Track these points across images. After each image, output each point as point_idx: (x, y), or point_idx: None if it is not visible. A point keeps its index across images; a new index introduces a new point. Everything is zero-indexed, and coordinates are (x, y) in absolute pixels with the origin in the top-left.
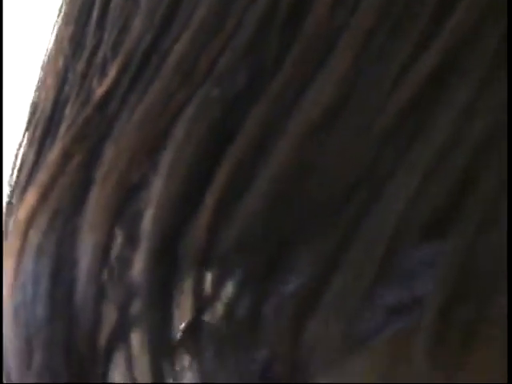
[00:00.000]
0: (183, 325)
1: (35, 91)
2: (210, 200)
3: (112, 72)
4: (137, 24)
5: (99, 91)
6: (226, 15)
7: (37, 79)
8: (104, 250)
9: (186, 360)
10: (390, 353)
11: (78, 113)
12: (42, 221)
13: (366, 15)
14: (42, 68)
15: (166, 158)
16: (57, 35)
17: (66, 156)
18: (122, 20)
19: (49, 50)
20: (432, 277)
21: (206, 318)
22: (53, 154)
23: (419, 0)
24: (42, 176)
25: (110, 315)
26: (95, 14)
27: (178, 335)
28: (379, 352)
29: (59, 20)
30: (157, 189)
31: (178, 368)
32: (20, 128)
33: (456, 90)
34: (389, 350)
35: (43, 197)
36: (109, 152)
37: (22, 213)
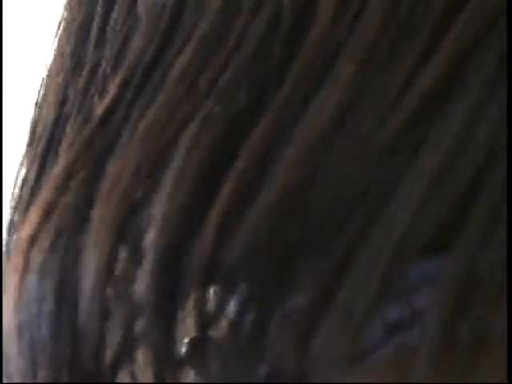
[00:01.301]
0: (187, 340)
1: (36, 107)
2: (214, 216)
3: (113, 87)
4: (138, 38)
5: (101, 107)
6: (228, 29)
7: (37, 95)
8: (108, 267)
9: (190, 375)
10: (391, 367)
11: (79, 129)
12: (45, 239)
13: (369, 25)
14: (43, 84)
15: (170, 174)
16: (57, 51)
17: (69, 173)
18: (122, 35)
19: (49, 67)
20: (433, 291)
21: (211, 333)
22: (55, 172)
23: (422, 10)
24: (45, 194)
25: (114, 333)
26: (95, 29)
27: (183, 351)
28: (381, 366)
29: (59, 36)
30: (161, 205)
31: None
32: (19, 143)
33: (459, 100)
34: (391, 365)
35: (46, 215)
36: (112, 168)
37: (25, 231)
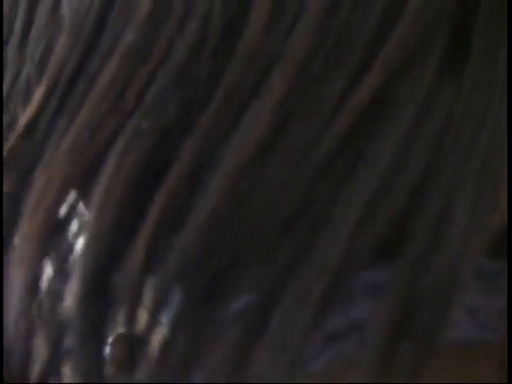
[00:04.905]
0: (118, 357)
1: None
2: (143, 235)
3: (37, 96)
4: (61, 44)
5: (24, 118)
6: (155, 39)
7: None
8: (33, 283)
9: None
10: (326, 378)
11: (2, 138)
12: None
13: (303, 38)
14: None
15: (98, 191)
16: None
17: None
18: (45, 38)
19: None
20: (374, 302)
21: (142, 349)
22: None
23: (357, 24)
24: None
25: (41, 349)
26: (18, 29)
27: (113, 367)
28: (315, 377)
29: None
30: (89, 221)
31: None
32: None
33: (396, 115)
34: (325, 376)
35: None
36: (37, 183)
37: None
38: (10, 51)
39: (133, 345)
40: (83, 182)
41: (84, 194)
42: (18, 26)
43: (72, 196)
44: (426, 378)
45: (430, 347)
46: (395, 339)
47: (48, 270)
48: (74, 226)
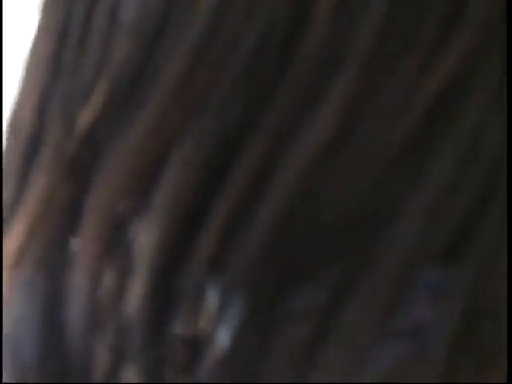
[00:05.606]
0: (181, 358)
1: (13, 113)
2: (210, 234)
3: (97, 98)
4: (121, 47)
5: (85, 118)
6: (217, 42)
7: (14, 99)
8: (95, 284)
9: None
10: (386, 379)
11: (60, 142)
12: (32, 255)
13: (367, 40)
14: (21, 86)
15: (163, 191)
16: (34, 51)
17: (54, 189)
18: (104, 41)
19: (26, 68)
20: (438, 303)
21: (206, 349)
22: (39, 187)
23: (417, 27)
24: (30, 209)
25: (102, 352)
26: (75, 32)
27: (176, 368)
28: (376, 377)
29: (36, 34)
30: (153, 223)
31: None
32: None
33: (465, 110)
34: (386, 376)
35: (32, 230)
36: (98, 184)
37: (10, 246)
38: (68, 53)
39: (197, 345)
40: (146, 183)
41: (147, 194)
42: (75, 28)
43: (134, 196)
44: (492, 379)
45: (496, 349)
46: (463, 340)
47: (109, 271)
48: (135, 227)
